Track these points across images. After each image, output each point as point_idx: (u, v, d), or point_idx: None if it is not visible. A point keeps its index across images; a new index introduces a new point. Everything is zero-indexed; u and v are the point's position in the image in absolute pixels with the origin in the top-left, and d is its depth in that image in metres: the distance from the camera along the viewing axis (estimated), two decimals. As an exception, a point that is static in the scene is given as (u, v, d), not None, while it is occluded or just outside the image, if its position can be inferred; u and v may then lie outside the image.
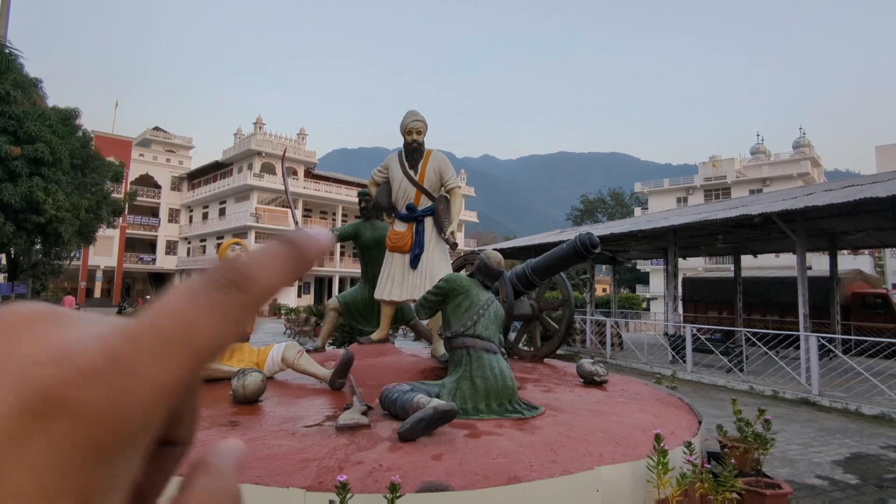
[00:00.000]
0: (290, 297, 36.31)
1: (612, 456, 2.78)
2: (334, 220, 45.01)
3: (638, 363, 13.39)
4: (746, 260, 20.22)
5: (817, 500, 4.49)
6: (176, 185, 49.00)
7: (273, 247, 0.20)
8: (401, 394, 3.12)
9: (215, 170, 46.30)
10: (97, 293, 42.93)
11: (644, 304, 41.14)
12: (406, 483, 2.22)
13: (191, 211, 48.83)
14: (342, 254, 43.87)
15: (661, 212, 25.05)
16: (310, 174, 44.39)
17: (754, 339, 11.26)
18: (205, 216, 46.76)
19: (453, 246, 4.49)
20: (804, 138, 48.68)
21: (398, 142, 4.80)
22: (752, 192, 40.39)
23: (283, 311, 27.56)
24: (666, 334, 14.33)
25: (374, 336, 5.09)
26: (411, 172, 4.62)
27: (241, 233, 38.87)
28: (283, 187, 12.65)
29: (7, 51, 18.24)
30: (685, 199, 46.01)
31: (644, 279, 49.45)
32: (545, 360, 5.88)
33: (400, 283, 4.67)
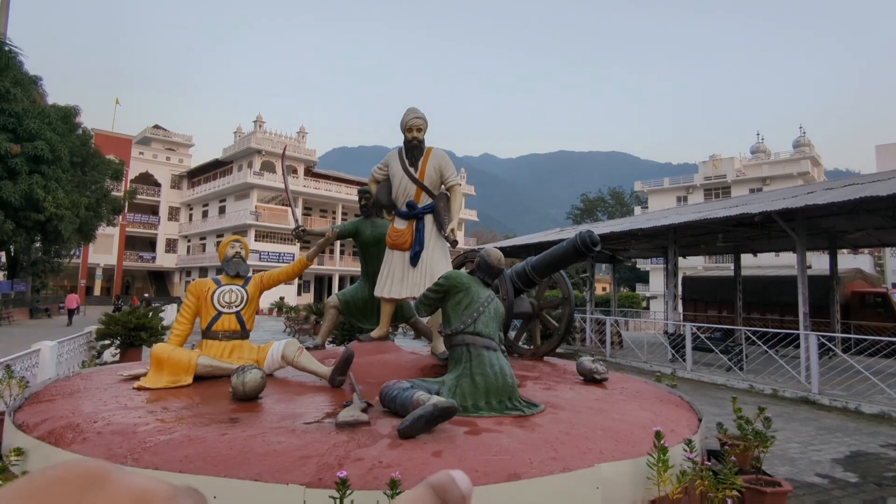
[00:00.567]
0: (290, 296, 36.33)
1: (613, 453, 2.78)
2: (334, 218, 44.98)
3: (638, 362, 13.38)
4: (746, 259, 20.22)
5: (817, 498, 4.49)
6: (176, 184, 48.99)
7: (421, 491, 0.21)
8: (401, 391, 3.12)
9: (215, 168, 46.27)
10: (97, 291, 42.99)
11: (644, 303, 41.13)
12: (406, 480, 2.22)
13: (191, 209, 48.82)
14: (342, 252, 43.90)
15: (661, 210, 25.03)
16: (310, 172, 44.37)
17: (754, 338, 11.26)
18: (205, 214, 46.76)
19: (453, 243, 4.47)
20: (804, 137, 48.67)
21: (398, 140, 4.77)
22: (752, 191, 40.40)
23: (283, 310, 27.53)
24: (666, 333, 14.32)
25: (374, 334, 5.08)
26: (411, 170, 4.61)
27: (241, 231, 38.87)
28: (283, 185, 12.62)
29: (7, 48, 18.17)
30: (685, 198, 46.02)
31: (644, 278, 49.48)
32: (545, 358, 5.87)
33: (400, 280, 4.66)
